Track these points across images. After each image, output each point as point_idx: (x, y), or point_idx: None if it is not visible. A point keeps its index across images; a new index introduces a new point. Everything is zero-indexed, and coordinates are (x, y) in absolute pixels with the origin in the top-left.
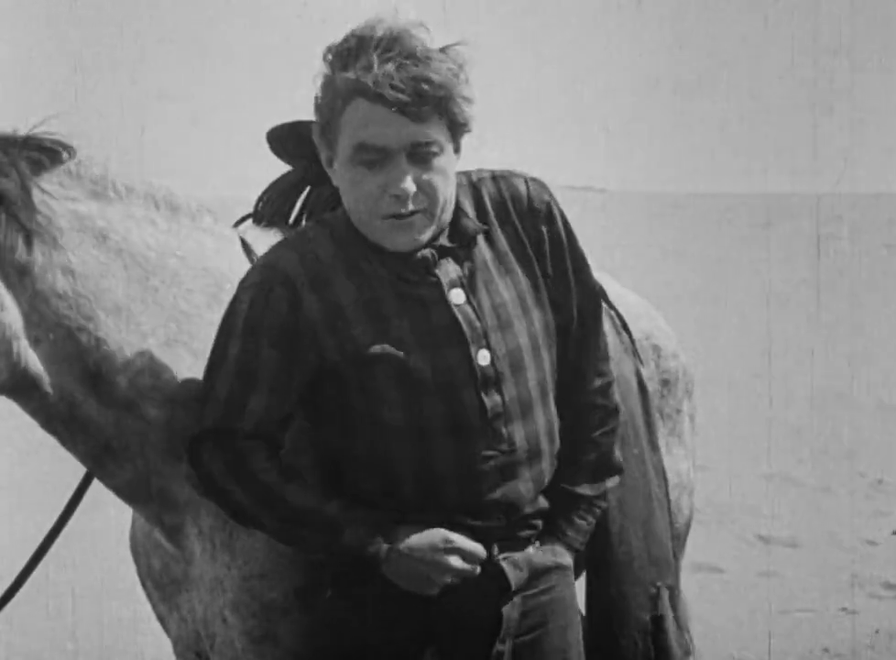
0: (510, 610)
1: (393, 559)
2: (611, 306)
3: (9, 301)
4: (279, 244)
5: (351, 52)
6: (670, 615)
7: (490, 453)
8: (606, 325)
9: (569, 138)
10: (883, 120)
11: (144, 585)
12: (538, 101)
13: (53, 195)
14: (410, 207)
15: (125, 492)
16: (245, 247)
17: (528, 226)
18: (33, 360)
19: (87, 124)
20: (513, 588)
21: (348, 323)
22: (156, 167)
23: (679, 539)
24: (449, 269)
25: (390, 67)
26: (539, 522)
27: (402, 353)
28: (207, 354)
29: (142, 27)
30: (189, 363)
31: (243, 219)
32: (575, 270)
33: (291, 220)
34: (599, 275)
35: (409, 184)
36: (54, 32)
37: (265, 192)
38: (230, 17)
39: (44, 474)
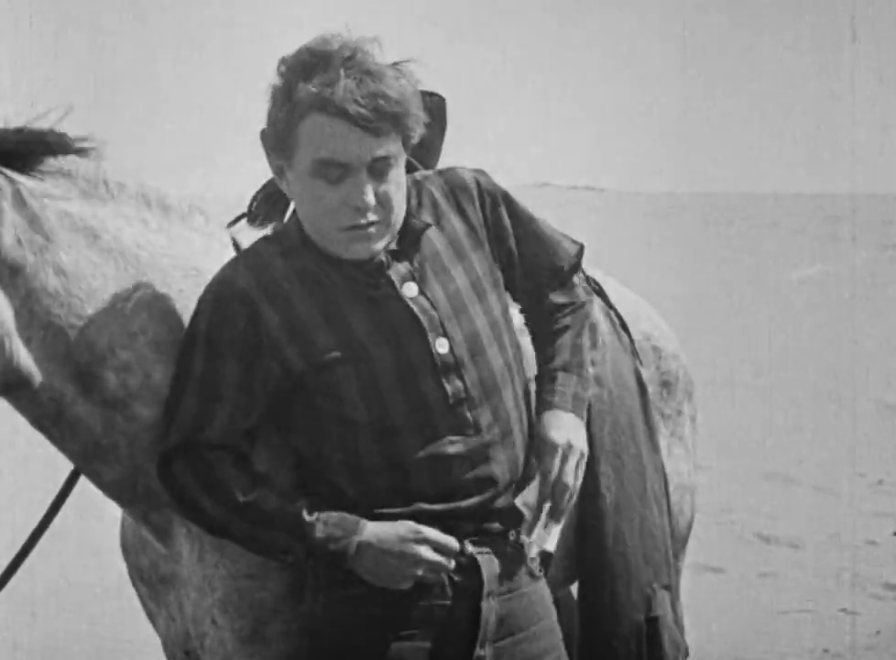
0: (488, 613)
1: (363, 554)
2: (611, 306)
3: (1, 299)
4: (232, 261)
5: (308, 66)
6: (667, 616)
7: (456, 438)
8: (606, 326)
9: (569, 138)
10: (884, 120)
11: (134, 583)
12: (538, 101)
13: (45, 194)
14: (370, 218)
15: (113, 491)
16: (237, 247)
17: (476, 212)
18: (25, 358)
19: (88, 121)
20: (486, 581)
21: (307, 330)
22: (151, 165)
23: (680, 539)
24: (399, 267)
25: (350, 83)
26: (509, 524)
27: (363, 352)
28: None
29: (143, 26)
30: None
31: (237, 219)
32: (521, 238)
33: (284, 220)
34: (599, 275)
35: (371, 197)
36: (55, 32)
37: (258, 192)
38: (230, 17)
39: (35, 471)
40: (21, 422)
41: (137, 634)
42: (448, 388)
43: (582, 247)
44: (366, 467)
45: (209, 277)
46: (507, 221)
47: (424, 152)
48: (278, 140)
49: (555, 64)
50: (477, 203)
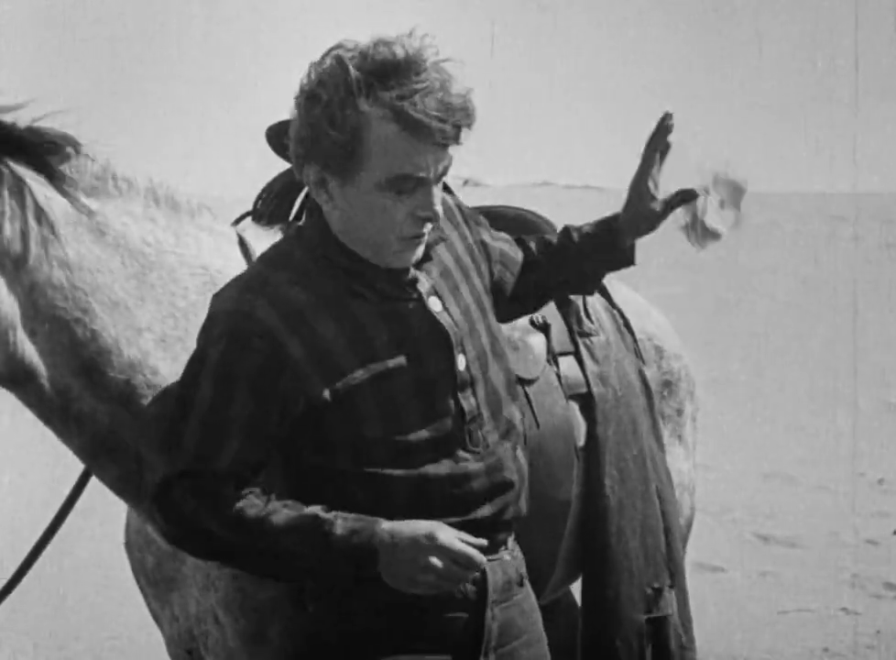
0: (491, 621)
1: (384, 549)
2: (614, 306)
3: (5, 291)
4: (240, 288)
5: (374, 74)
6: (672, 615)
7: (469, 455)
8: (609, 325)
9: (569, 138)
10: (885, 119)
11: (138, 582)
12: (538, 101)
13: (51, 188)
14: (429, 228)
15: (119, 487)
16: (244, 245)
17: (467, 231)
18: (29, 351)
19: (90, 120)
20: (490, 590)
21: (332, 358)
22: (158, 164)
23: (680, 539)
24: (424, 281)
25: (426, 95)
26: (510, 533)
27: (383, 369)
28: None
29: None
30: (184, 360)
31: (242, 217)
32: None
33: (290, 218)
34: None
35: (440, 208)
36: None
37: (264, 190)
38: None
39: (47, 468)
40: (30, 417)
41: (140, 633)
42: (465, 404)
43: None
44: (381, 479)
45: (215, 274)
46: (487, 236)
47: None
48: (331, 152)
49: (555, 64)
50: (466, 224)
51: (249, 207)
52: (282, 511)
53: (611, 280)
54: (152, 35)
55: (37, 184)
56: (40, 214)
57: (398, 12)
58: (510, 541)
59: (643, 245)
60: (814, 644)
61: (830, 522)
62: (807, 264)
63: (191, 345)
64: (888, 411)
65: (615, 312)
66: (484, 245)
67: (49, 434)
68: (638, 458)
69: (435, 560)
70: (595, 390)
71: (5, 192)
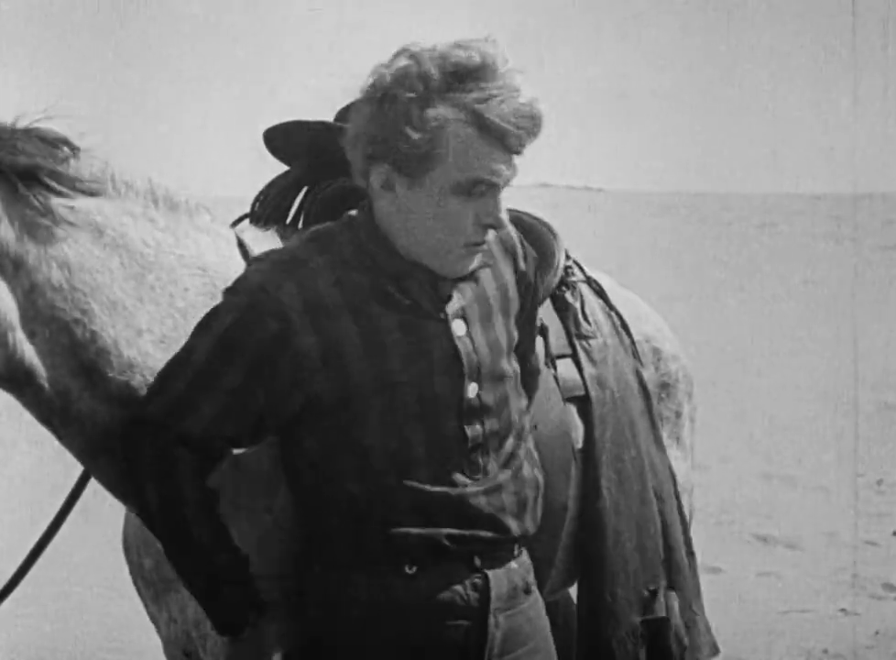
0: (494, 629)
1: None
2: (611, 308)
3: (4, 291)
4: (276, 263)
5: (454, 77)
6: (675, 618)
7: (468, 480)
8: (607, 327)
9: (569, 138)
10: (885, 119)
11: (136, 584)
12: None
13: (49, 189)
14: (491, 236)
15: (118, 489)
16: (242, 246)
17: (521, 270)
18: (29, 352)
19: (92, 120)
20: (493, 597)
21: (344, 360)
22: (156, 164)
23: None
24: (454, 302)
25: (503, 102)
26: (518, 544)
27: (392, 381)
28: None
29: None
30: None
31: (240, 219)
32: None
33: (288, 220)
34: (599, 275)
35: (504, 216)
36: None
37: (262, 192)
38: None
39: (45, 469)
40: (29, 417)
41: (137, 635)
42: (468, 432)
43: None
44: (383, 485)
45: (214, 275)
46: (538, 281)
47: None
48: (405, 151)
49: (555, 64)
50: (524, 262)
51: (247, 209)
52: (214, 521)
53: (608, 281)
54: (152, 35)
55: (35, 185)
56: (39, 214)
57: (398, 12)
58: (517, 548)
59: (643, 245)
60: (813, 645)
61: (830, 523)
62: (806, 264)
63: None
64: (888, 411)
65: (612, 313)
66: (534, 290)
67: (48, 435)
68: (636, 460)
69: None
70: (592, 392)
71: (3, 193)
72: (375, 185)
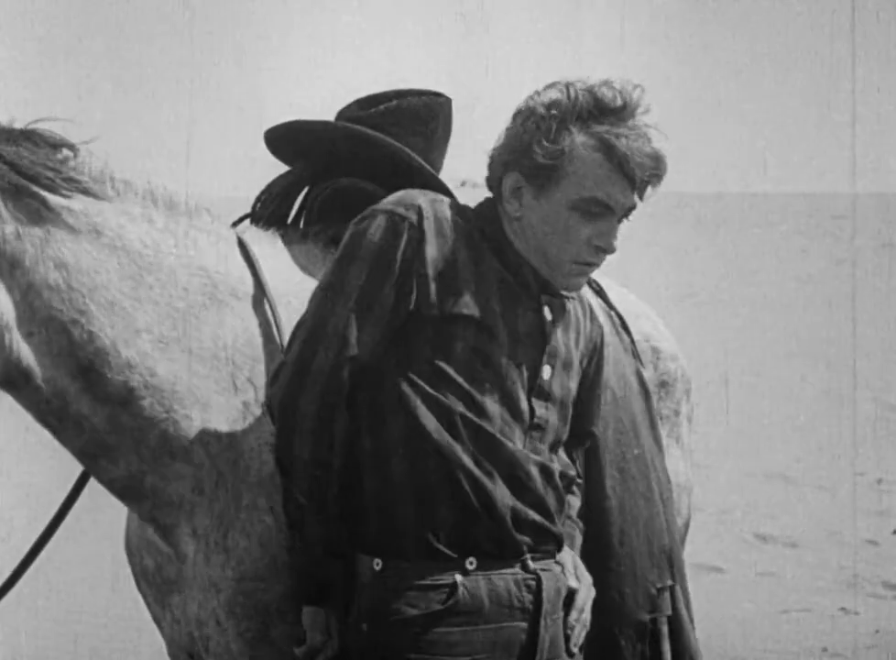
0: (544, 632)
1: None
2: (611, 307)
3: (1, 292)
4: (409, 191)
5: (596, 109)
6: (681, 615)
7: (524, 448)
8: (607, 326)
9: None
10: (884, 119)
11: (138, 584)
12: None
13: (48, 189)
14: (602, 259)
15: (119, 489)
16: (243, 246)
17: (593, 351)
18: (26, 353)
19: (92, 122)
20: (545, 599)
21: (457, 283)
22: (156, 164)
23: (680, 540)
24: (558, 332)
25: (635, 140)
26: (555, 547)
27: (490, 323)
28: (201, 353)
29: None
30: (183, 361)
31: (241, 219)
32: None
33: (289, 220)
34: (598, 275)
35: (618, 242)
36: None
37: (262, 192)
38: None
39: (46, 469)
40: (28, 418)
41: (137, 635)
42: (537, 408)
43: None
44: (449, 415)
45: (214, 276)
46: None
47: (431, 152)
48: (537, 163)
49: (555, 62)
50: (614, 327)
51: (247, 209)
52: (332, 505)
53: (608, 281)
54: (152, 34)
55: (34, 186)
56: (37, 215)
57: (394, 12)
58: (556, 548)
59: (642, 245)
60: (813, 644)
61: (830, 522)
62: (806, 264)
63: (190, 346)
64: (888, 411)
65: (612, 313)
66: (601, 356)
67: (48, 435)
68: (639, 459)
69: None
70: None
71: (1, 193)
72: (505, 191)
